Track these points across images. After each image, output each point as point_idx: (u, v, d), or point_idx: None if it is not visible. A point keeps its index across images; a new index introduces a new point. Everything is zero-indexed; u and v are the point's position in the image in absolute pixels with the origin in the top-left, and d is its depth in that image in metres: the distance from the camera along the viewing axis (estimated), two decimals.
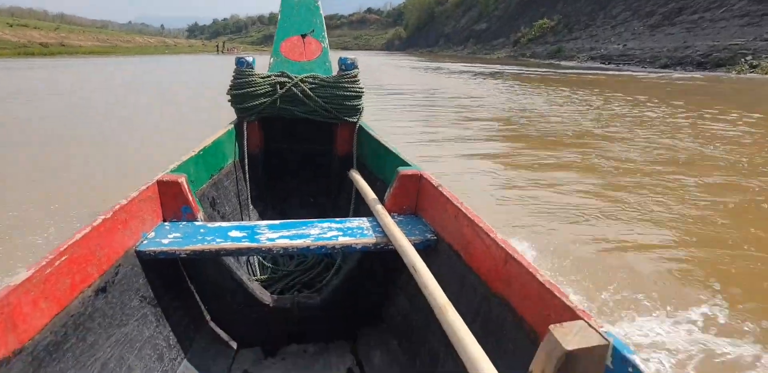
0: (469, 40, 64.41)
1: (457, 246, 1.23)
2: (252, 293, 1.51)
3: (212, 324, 1.55)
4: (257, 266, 1.98)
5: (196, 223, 1.44)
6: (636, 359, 0.68)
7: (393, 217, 1.46)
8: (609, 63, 21.10)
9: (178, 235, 1.34)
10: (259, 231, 1.39)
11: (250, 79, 2.14)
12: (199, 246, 1.28)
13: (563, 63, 23.71)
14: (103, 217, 1.13)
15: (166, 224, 1.42)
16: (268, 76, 2.19)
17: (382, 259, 1.47)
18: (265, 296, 1.54)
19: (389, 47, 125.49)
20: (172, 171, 1.49)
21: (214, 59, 39.71)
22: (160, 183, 1.41)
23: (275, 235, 1.36)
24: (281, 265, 1.98)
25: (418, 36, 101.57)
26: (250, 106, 2.18)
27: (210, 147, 1.87)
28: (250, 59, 2.21)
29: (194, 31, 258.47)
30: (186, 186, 1.43)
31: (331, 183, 2.50)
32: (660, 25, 21.98)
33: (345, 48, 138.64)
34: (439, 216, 1.38)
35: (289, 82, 2.16)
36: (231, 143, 2.15)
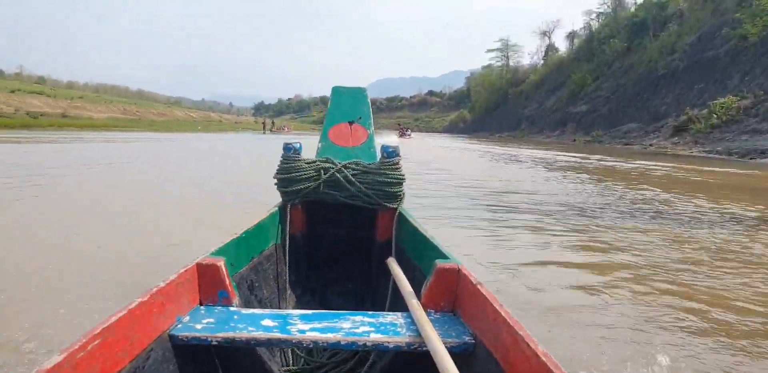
0: (566, 125, 52.55)
1: (497, 354, 1.15)
2: None
3: None
4: (290, 354, 1.91)
5: (231, 308, 1.42)
6: None
7: (429, 313, 1.40)
8: None
9: (211, 320, 1.32)
10: (291, 321, 1.35)
11: (296, 164, 2.20)
12: (230, 334, 1.26)
13: None
14: (140, 299, 1.12)
15: (201, 307, 1.40)
16: (314, 162, 2.22)
17: (416, 360, 1.35)
18: None
19: (452, 130, 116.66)
20: (212, 254, 1.48)
21: (254, 141, 28.96)
22: (199, 266, 1.40)
23: (307, 326, 1.32)
24: (315, 355, 1.91)
25: (488, 118, 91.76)
26: (295, 190, 2.20)
27: (252, 230, 1.86)
28: (297, 145, 2.24)
29: (260, 108, 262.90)
30: (224, 270, 1.42)
31: (370, 270, 2.43)
32: None
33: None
34: (477, 317, 1.29)
35: (332, 168, 2.20)
36: (274, 226, 2.15)
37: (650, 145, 27.96)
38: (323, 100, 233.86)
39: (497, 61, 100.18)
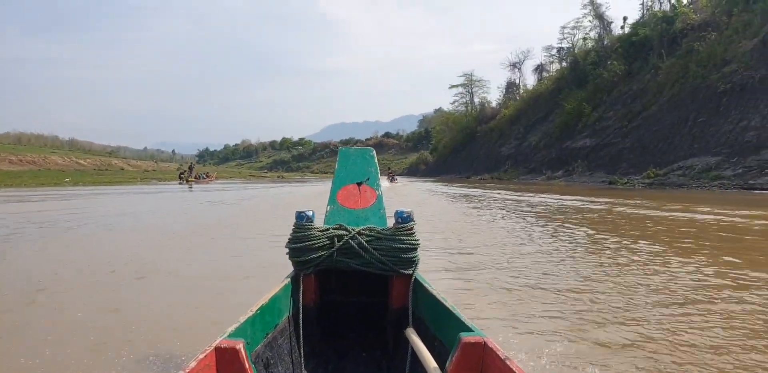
0: (571, 163, 41.61)
1: None
2: None
3: None
4: None
5: None
6: None
7: None
8: None
9: None
10: None
11: (308, 232, 2.14)
12: None
13: None
14: None
15: None
16: (327, 229, 2.16)
17: None
18: None
19: (413, 172, 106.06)
20: (230, 335, 1.41)
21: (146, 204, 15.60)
22: (218, 350, 1.33)
23: None
24: None
25: (454, 159, 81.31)
26: (308, 259, 2.13)
27: (267, 304, 1.81)
28: (310, 213, 2.18)
29: (204, 155, 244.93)
30: (243, 353, 1.35)
31: (386, 339, 2.33)
32: None
33: None
34: None
35: (346, 235, 2.15)
36: (287, 298, 2.09)
37: None
38: (273, 144, 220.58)
39: (461, 98, 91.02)
